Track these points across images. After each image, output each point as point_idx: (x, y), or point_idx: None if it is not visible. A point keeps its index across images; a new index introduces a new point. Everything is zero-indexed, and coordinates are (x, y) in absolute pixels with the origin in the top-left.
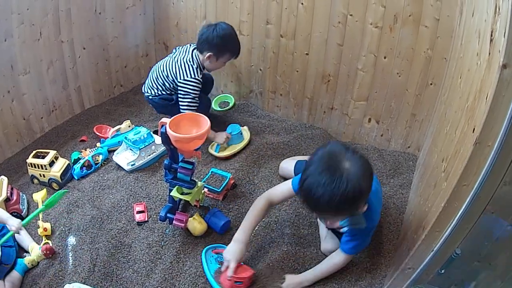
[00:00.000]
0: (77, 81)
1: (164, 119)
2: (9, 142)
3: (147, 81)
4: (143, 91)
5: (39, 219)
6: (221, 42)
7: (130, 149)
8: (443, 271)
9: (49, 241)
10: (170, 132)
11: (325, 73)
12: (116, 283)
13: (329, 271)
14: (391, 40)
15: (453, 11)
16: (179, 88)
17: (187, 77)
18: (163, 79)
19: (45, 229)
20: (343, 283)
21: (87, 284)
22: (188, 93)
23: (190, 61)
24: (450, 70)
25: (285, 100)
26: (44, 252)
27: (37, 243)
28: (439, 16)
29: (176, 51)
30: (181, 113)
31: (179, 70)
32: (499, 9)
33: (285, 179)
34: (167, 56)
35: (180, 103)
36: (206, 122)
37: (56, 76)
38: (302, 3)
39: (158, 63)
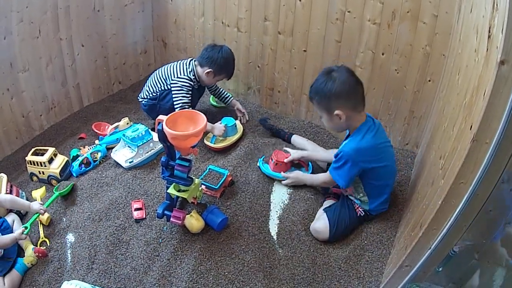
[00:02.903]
0: (76, 78)
1: (161, 116)
2: (8, 140)
3: (143, 89)
4: (139, 99)
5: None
6: (224, 63)
7: (128, 147)
8: (440, 269)
9: (46, 239)
10: (166, 129)
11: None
12: (114, 280)
13: (318, 182)
14: (389, 37)
15: (452, 7)
16: (172, 85)
17: (180, 75)
18: (158, 80)
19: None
20: (341, 280)
21: (85, 282)
22: (181, 88)
23: (186, 65)
24: (448, 66)
25: (283, 97)
26: (37, 254)
27: (35, 241)
28: (438, 12)
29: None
30: (177, 111)
31: (174, 70)
32: (497, 5)
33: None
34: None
35: (174, 99)
36: (202, 119)
37: (55, 74)
38: (300, 0)
39: (155, 71)
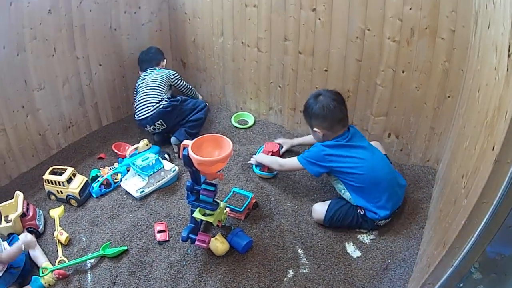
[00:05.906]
0: (93, 98)
1: (186, 141)
2: (24, 157)
3: (145, 107)
4: (143, 118)
5: (55, 230)
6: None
7: (139, 175)
8: (461, 285)
9: (64, 258)
10: (192, 155)
11: (344, 89)
12: None
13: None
14: (408, 54)
15: (468, 21)
16: (176, 80)
17: (172, 71)
18: (159, 89)
19: (60, 233)
20: None
21: None
22: (182, 78)
23: (161, 70)
24: (467, 82)
25: None
26: (57, 276)
27: (53, 259)
28: (455, 27)
29: (142, 81)
30: (203, 135)
31: (165, 75)
32: None
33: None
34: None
35: (186, 87)
36: (228, 144)
37: (72, 93)
38: (319, 19)
39: (140, 88)
